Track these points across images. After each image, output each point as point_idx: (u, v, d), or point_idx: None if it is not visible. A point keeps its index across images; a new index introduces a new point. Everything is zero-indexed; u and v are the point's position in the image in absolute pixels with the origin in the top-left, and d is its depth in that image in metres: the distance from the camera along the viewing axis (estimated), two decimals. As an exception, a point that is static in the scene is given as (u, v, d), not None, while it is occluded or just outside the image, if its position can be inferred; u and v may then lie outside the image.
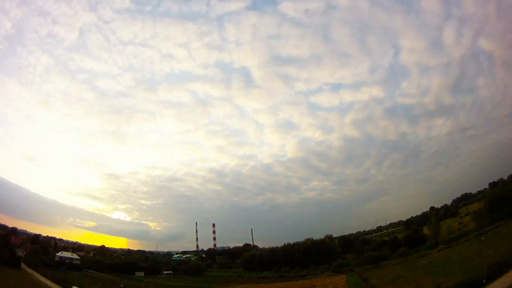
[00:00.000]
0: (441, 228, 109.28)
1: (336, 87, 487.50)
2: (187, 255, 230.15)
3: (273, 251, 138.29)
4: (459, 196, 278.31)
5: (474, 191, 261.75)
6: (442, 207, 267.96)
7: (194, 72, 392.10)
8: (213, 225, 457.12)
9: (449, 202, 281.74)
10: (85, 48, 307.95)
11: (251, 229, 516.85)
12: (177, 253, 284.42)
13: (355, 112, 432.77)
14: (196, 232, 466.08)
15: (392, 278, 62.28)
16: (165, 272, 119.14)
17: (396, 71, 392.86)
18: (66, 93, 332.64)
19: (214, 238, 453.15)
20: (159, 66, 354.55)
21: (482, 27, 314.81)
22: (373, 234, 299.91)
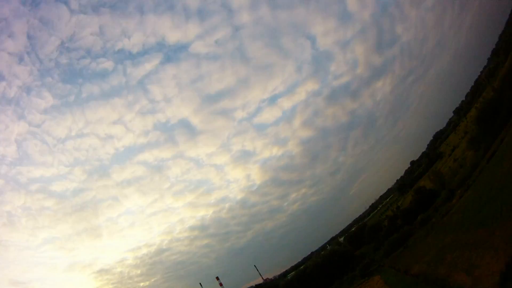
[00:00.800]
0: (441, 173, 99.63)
1: (273, 99, 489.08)
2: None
3: (288, 284, 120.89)
4: (432, 138, 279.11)
5: (442, 127, 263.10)
6: (421, 156, 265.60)
7: (138, 144, 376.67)
8: (217, 278, 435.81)
9: (423, 150, 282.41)
10: (28, 157, 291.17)
11: (255, 265, 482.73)
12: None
13: (300, 113, 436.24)
14: None
15: (436, 256, 48.18)
16: None
17: (320, 58, 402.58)
18: (26, 208, 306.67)
19: None
20: (103, 150, 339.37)
21: None
22: (371, 215, 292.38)
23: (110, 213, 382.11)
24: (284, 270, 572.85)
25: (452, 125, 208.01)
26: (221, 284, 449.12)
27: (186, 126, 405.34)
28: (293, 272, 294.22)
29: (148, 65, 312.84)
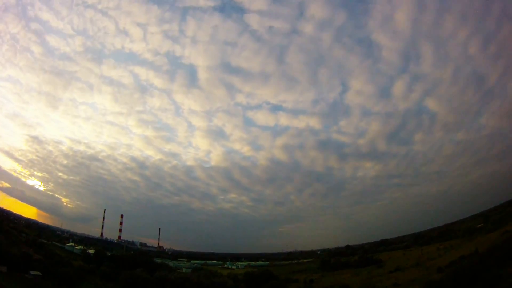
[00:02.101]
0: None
1: (275, 109, 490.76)
2: (79, 247, 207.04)
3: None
4: (378, 240, 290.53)
5: (391, 237, 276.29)
6: (359, 247, 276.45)
7: (142, 56, 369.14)
8: (121, 216, 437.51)
9: (363, 242, 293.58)
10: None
11: (159, 228, 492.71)
12: (72, 241, 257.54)
13: (288, 136, 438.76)
14: (103, 220, 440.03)
15: None
16: (32, 273, 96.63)
17: (338, 107, 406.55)
18: (15, 38, 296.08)
19: (120, 230, 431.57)
20: (112, 39, 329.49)
21: (433, 88, 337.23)
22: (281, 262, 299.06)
23: (78, 96, 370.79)
24: (180, 249, 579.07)
25: (404, 244, 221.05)
26: (121, 223, 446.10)
27: (191, 73, 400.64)
28: (185, 261, 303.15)
29: (202, 2, 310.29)
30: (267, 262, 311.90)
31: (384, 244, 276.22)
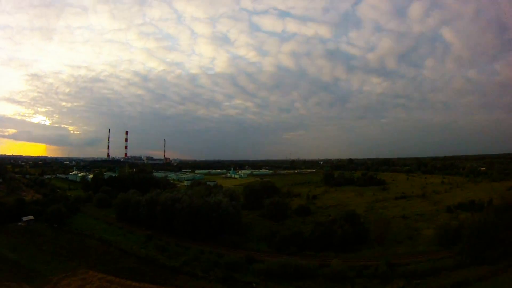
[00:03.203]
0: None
1: (283, 14, 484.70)
2: (81, 174, 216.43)
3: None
4: (381, 158, 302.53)
5: (393, 157, 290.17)
6: (362, 163, 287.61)
7: None
8: (126, 132, 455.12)
9: (365, 157, 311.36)
10: None
11: (164, 140, 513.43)
12: (74, 169, 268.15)
13: (295, 43, 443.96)
14: (108, 140, 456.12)
15: None
16: (24, 219, 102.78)
17: (350, 19, 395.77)
18: None
19: (126, 147, 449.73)
20: None
21: (452, 19, 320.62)
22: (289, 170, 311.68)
23: (72, 21, 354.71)
24: (186, 159, 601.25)
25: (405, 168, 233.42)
26: (126, 140, 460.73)
27: None
28: (189, 172, 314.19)
29: None
30: (271, 171, 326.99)
31: (387, 164, 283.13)
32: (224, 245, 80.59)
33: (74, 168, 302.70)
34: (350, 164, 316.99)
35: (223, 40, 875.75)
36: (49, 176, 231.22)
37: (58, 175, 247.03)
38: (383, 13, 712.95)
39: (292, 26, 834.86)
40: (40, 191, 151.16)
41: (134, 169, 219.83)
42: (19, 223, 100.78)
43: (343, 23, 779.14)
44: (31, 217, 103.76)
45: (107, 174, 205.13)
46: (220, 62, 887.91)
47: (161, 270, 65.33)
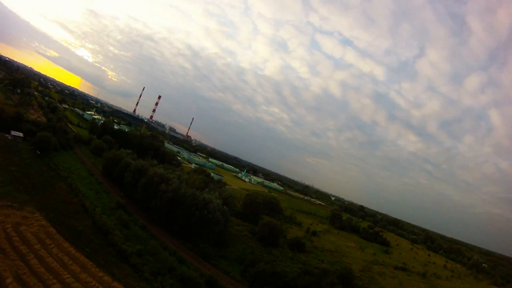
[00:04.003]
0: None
1: (345, 42, 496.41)
2: (97, 117, 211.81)
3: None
4: (391, 216, 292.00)
5: (403, 219, 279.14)
6: (372, 214, 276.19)
7: None
8: (159, 97, 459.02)
9: (377, 209, 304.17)
10: None
11: (193, 118, 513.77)
12: (93, 110, 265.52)
13: (349, 74, 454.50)
14: (140, 97, 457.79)
15: None
16: (13, 133, 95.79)
17: (407, 69, 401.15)
18: None
19: (154, 110, 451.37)
20: None
21: (504, 103, 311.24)
22: (291, 193, 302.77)
23: None
24: (206, 143, 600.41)
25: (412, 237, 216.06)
26: (156, 104, 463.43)
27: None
28: (202, 157, 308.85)
29: None
30: (281, 188, 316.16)
31: (395, 225, 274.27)
32: (194, 250, 69.03)
33: (95, 108, 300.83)
34: (360, 211, 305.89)
35: (281, 46, 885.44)
36: (66, 106, 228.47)
37: (76, 108, 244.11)
38: (441, 74, 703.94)
39: (350, 57, 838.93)
40: (47, 116, 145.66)
41: (150, 133, 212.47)
42: (7, 135, 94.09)
43: (400, 71, 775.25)
44: (20, 134, 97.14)
45: (122, 127, 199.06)
46: (271, 66, 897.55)
47: (107, 248, 54.87)
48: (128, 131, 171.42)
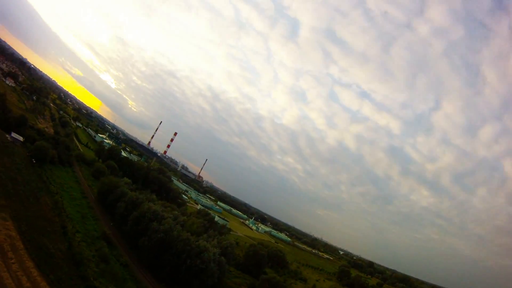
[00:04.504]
0: None
1: (363, 95, 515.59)
2: (108, 141, 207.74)
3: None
4: (401, 273, 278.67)
5: (413, 275, 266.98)
6: (382, 271, 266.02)
7: None
8: (175, 133, 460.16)
9: (387, 265, 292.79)
10: None
11: (206, 159, 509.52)
12: (106, 134, 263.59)
13: (364, 128, 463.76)
14: (156, 130, 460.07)
15: None
16: (13, 135, 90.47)
17: (423, 122, 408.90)
18: None
19: (169, 146, 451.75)
20: None
21: None
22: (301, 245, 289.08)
23: (174, 12, 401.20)
24: (217, 186, 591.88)
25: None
26: (172, 140, 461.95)
27: (293, 26, 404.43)
28: (210, 199, 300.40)
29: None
30: (289, 239, 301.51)
31: (405, 282, 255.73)
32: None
33: (108, 133, 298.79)
34: (369, 267, 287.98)
35: (299, 96, 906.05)
36: (79, 124, 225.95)
37: (89, 129, 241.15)
38: (455, 126, 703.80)
39: (367, 110, 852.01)
40: (56, 128, 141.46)
41: (158, 166, 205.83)
42: (7, 135, 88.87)
43: (415, 124, 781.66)
44: (20, 138, 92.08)
45: (132, 156, 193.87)
46: (289, 115, 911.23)
47: (75, 280, 46.26)
48: (135, 160, 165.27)
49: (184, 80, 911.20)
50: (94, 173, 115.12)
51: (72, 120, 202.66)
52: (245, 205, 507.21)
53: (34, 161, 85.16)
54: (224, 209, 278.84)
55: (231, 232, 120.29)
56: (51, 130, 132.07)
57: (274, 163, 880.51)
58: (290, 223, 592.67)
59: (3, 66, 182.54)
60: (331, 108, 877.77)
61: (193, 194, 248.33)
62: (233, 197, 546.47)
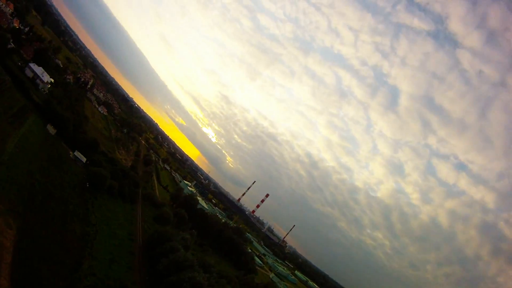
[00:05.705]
0: None
1: (460, 167, 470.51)
2: (192, 189, 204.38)
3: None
4: None
5: None
6: None
7: (349, 61, 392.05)
8: (267, 195, 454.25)
9: None
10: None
11: (294, 225, 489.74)
12: (193, 182, 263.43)
13: (459, 203, 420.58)
14: (248, 189, 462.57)
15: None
16: (77, 154, 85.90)
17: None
18: (226, 8, 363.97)
19: (258, 206, 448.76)
20: (322, 36, 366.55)
21: None
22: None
23: (277, 77, 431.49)
24: (301, 253, 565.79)
25: None
26: (262, 201, 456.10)
27: (393, 95, 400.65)
28: (287, 267, 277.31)
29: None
30: None
31: None
32: None
33: (195, 182, 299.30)
34: None
35: (397, 169, 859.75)
36: (167, 167, 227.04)
37: (177, 174, 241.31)
38: None
39: (463, 183, 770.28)
40: (136, 164, 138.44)
41: (237, 225, 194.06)
42: (71, 152, 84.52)
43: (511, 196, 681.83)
44: (83, 158, 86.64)
45: (216, 210, 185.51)
46: (384, 189, 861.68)
47: None
48: (209, 214, 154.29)
49: (284, 145, 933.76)
50: (157, 217, 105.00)
51: (160, 161, 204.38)
52: (324, 277, 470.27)
53: (88, 185, 77.53)
54: (300, 279, 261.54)
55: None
56: (129, 164, 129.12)
57: (363, 236, 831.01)
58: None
59: (100, 95, 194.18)
60: (428, 181, 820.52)
61: (270, 259, 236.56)
62: (314, 266, 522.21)
